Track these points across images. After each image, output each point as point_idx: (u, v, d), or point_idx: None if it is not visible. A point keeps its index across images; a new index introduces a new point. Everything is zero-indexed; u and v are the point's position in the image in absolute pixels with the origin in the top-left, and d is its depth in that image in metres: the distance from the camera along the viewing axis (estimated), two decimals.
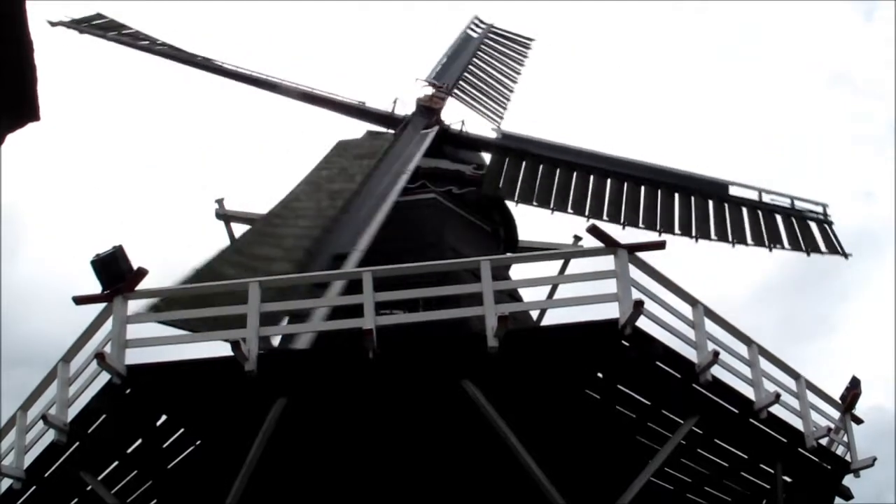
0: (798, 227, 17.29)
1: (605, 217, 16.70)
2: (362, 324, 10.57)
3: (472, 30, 21.51)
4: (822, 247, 17.13)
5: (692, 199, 17.12)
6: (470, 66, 20.08)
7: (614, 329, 10.65)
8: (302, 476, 11.27)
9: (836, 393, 13.51)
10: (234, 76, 19.17)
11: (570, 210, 16.82)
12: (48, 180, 38.16)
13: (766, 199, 17.56)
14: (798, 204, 17.61)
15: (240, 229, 17.30)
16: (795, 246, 17.08)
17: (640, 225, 16.75)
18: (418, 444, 11.02)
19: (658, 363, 11.06)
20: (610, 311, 10.87)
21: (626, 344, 10.76)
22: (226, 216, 17.25)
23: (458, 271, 12.78)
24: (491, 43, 21.25)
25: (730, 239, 16.90)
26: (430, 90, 18.14)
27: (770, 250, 16.94)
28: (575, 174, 17.20)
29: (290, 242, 13.14)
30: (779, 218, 17.33)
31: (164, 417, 11.31)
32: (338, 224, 13.62)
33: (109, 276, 11.04)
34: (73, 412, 11.24)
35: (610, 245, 11.21)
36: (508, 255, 16.36)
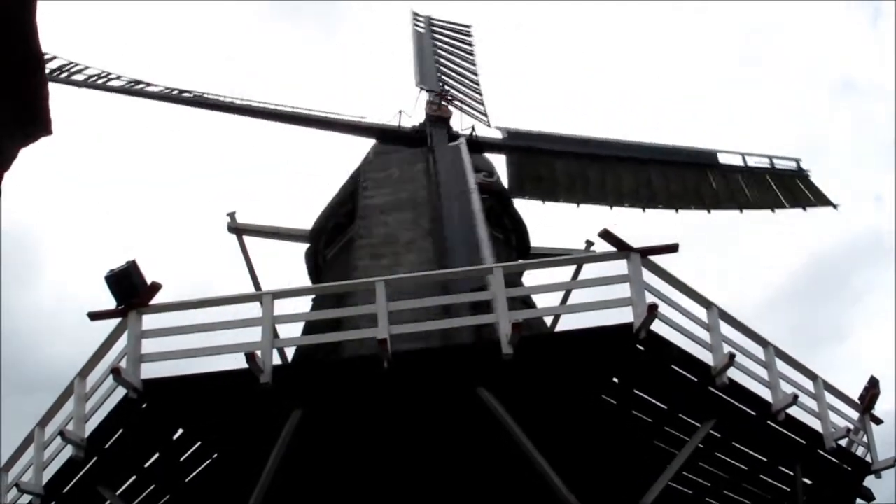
0: (786, 185, 18.74)
1: (625, 203, 17.84)
2: (376, 333, 10.58)
3: (418, 27, 20.86)
4: (813, 199, 18.72)
5: (707, 173, 18.51)
6: (439, 66, 19.59)
7: (629, 333, 10.62)
8: (320, 487, 11.26)
9: (854, 394, 13.43)
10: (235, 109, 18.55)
11: (593, 201, 17.67)
12: (61, 199, 38.45)
13: (750, 162, 18.92)
14: (777, 163, 19.02)
15: (252, 242, 17.38)
16: (792, 203, 18.62)
17: (659, 205, 18.03)
18: (435, 453, 10.99)
19: (674, 367, 11.02)
20: (624, 316, 10.86)
21: (642, 348, 10.73)
22: (238, 229, 17.30)
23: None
24: (440, 36, 20.71)
25: (738, 206, 18.54)
26: (427, 98, 18.04)
27: (773, 211, 18.61)
28: (588, 164, 17.97)
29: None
30: (769, 179, 18.82)
31: (180, 431, 11.34)
32: (445, 252, 13.09)
33: (123, 291, 11.09)
34: (90, 427, 11.29)
35: (622, 249, 11.19)
36: (520, 261, 16.34)
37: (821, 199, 18.81)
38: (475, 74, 19.86)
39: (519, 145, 18.14)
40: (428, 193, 14.81)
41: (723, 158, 18.87)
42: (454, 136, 17.31)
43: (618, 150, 18.58)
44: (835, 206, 18.76)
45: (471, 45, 20.81)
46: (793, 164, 19.20)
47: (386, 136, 17.76)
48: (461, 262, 12.36)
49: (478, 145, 17.70)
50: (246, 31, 40.94)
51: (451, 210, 14.06)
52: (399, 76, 19.27)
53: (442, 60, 19.98)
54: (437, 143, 16.59)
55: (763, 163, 19.11)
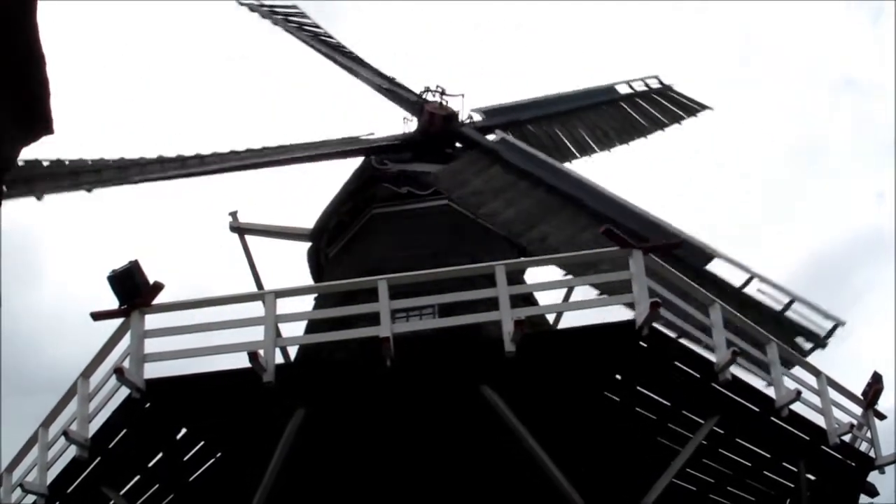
0: (670, 100, 19.73)
1: (597, 150, 18.89)
2: (379, 332, 10.58)
3: (634, 85, 20.95)
4: (693, 106, 20.18)
5: (621, 104, 20.03)
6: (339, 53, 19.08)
7: (632, 330, 10.62)
8: (323, 486, 11.27)
9: (856, 390, 13.38)
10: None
11: (574, 156, 18.28)
12: (62, 199, 38.33)
13: (636, 87, 20.14)
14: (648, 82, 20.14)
15: (254, 241, 17.36)
16: (687, 114, 20.09)
17: (615, 143, 19.29)
18: (438, 451, 11.00)
19: (677, 363, 11.02)
20: (626, 313, 10.85)
21: (644, 345, 10.72)
22: (239, 229, 17.29)
23: (474, 277, 12.76)
24: (643, 100, 20.86)
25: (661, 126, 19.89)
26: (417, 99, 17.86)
27: (680, 124, 20.18)
28: (551, 123, 18.60)
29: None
30: (657, 98, 20.03)
31: (183, 431, 11.35)
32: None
33: (126, 291, 11.09)
34: (93, 427, 11.30)
35: (625, 247, 11.19)
36: (523, 259, 16.33)
37: (699, 105, 21.04)
38: (352, 54, 19.41)
39: (504, 122, 18.07)
40: (543, 192, 14.97)
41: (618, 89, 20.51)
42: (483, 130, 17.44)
43: (565, 103, 19.58)
44: (710, 108, 21.12)
45: (318, 25, 20.09)
46: (656, 82, 21.07)
47: (398, 147, 17.51)
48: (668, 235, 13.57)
49: (464, 138, 17.64)
50: (246, 31, 40.88)
51: (591, 201, 14.58)
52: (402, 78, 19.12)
53: (330, 46, 19.47)
54: (486, 143, 16.75)
55: (642, 86, 20.79)
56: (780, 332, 12.80)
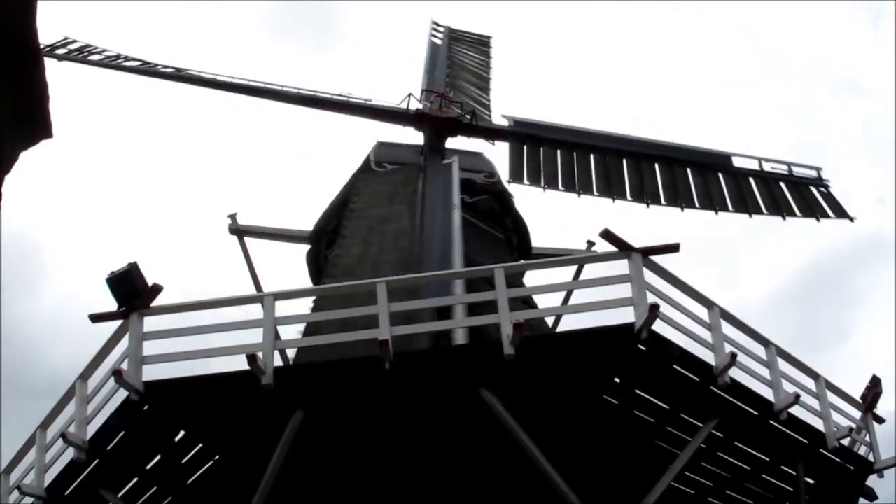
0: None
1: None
2: (378, 335, 10.57)
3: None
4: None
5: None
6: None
7: (630, 333, 10.61)
8: (322, 489, 11.26)
9: (856, 394, 13.41)
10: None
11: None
12: (61, 205, 38.50)
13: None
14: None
15: (253, 243, 17.39)
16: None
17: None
18: (437, 454, 10.99)
19: (675, 367, 11.01)
20: (625, 316, 10.85)
21: (643, 348, 10.72)
22: (239, 231, 17.31)
23: (473, 279, 12.76)
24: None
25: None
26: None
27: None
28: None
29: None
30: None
31: (182, 433, 11.34)
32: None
33: (125, 293, 11.08)
34: (91, 430, 11.28)
35: (623, 249, 11.18)
36: (522, 262, 16.33)
37: (478, 35, 21.42)
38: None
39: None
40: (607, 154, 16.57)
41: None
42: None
43: (438, 70, 19.75)
44: (490, 37, 21.57)
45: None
46: (435, 24, 21.36)
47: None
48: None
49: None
50: (247, 39, 40.97)
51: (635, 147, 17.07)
52: (397, 89, 19.52)
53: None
54: (518, 129, 17.73)
55: (437, 34, 21.06)
56: (800, 191, 18.02)
